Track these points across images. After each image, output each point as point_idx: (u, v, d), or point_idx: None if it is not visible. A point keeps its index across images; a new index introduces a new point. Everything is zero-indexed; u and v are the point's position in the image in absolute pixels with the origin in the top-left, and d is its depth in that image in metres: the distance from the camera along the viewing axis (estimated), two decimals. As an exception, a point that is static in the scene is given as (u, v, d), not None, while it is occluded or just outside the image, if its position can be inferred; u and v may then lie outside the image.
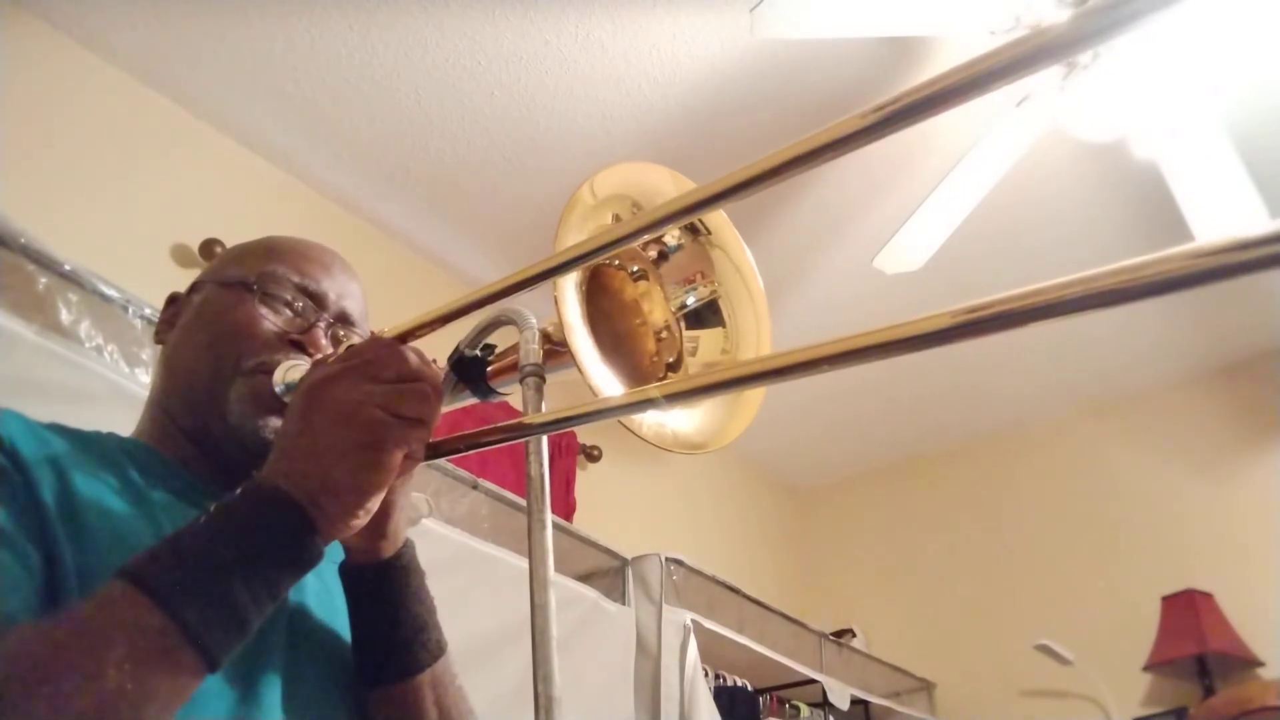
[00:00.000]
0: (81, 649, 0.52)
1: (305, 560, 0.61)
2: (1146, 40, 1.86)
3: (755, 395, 0.65)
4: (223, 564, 0.57)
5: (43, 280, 1.41)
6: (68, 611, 0.55)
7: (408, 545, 0.77)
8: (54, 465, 0.67)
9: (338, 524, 0.62)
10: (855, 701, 3.12)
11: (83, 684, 0.51)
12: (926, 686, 3.61)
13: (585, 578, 2.39)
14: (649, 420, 0.61)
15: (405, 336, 0.68)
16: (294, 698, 0.70)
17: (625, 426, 0.60)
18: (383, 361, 0.64)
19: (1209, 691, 2.98)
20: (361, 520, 0.64)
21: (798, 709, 3.09)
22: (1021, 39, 0.39)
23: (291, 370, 0.77)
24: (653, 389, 0.54)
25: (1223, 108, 2.06)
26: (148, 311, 1.50)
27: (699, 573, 2.65)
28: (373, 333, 0.70)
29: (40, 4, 2.14)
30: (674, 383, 0.59)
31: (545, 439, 0.62)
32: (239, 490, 0.62)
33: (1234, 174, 2.03)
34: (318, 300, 0.84)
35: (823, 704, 3.07)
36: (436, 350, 0.68)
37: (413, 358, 0.65)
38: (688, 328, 0.67)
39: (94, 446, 0.74)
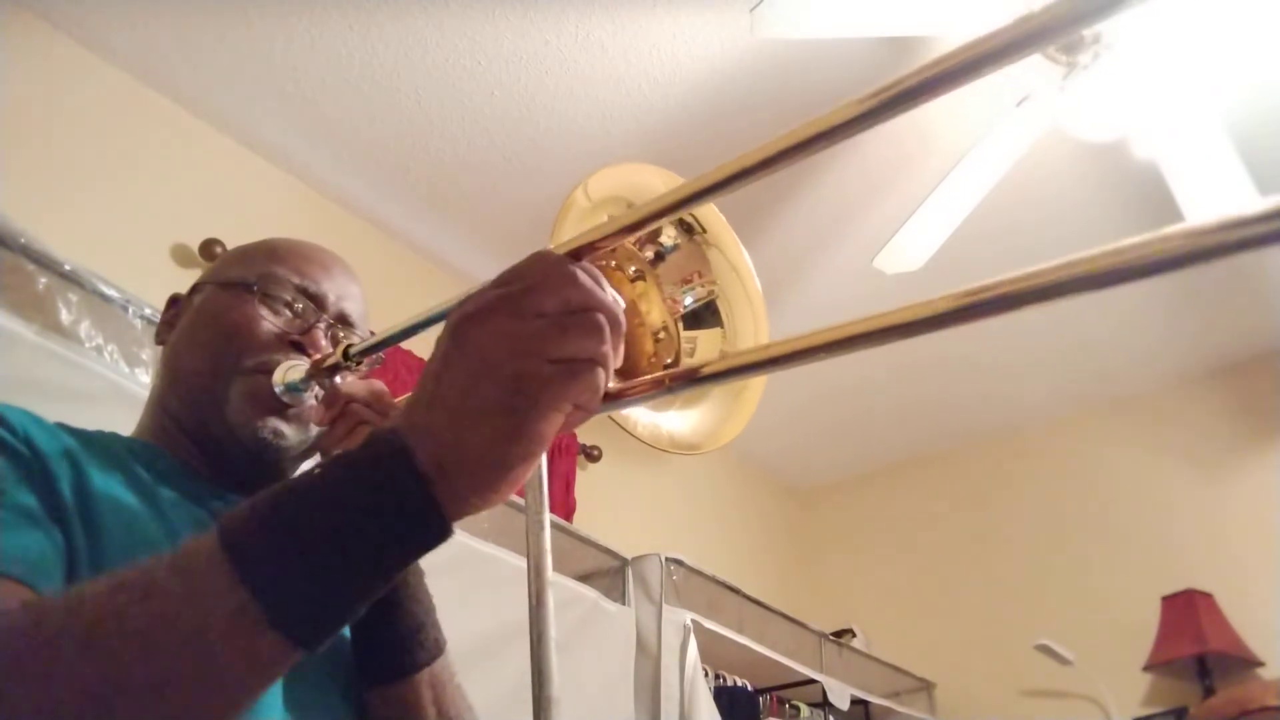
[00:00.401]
0: (140, 617, 0.46)
1: (425, 541, 0.50)
2: (1146, 40, 1.86)
3: (751, 396, 0.65)
4: (325, 537, 0.48)
5: (43, 280, 1.41)
6: (135, 568, 0.48)
7: (406, 544, 0.77)
8: (70, 459, 0.68)
9: (472, 500, 0.50)
10: (855, 701, 3.12)
11: (134, 659, 0.45)
12: (926, 686, 3.61)
13: (585, 578, 2.39)
14: (644, 420, 0.61)
15: (578, 254, 0.54)
16: (293, 696, 0.70)
17: (620, 425, 0.60)
18: (544, 287, 0.50)
19: (1209, 691, 2.98)
20: (504, 496, 0.51)
21: (798, 709, 3.09)
22: (1016, 21, 0.39)
23: (291, 370, 0.78)
24: (648, 381, 0.54)
25: (1223, 108, 2.06)
26: (148, 311, 1.51)
27: (699, 573, 2.65)
28: (540, 251, 0.54)
29: (40, 4, 2.14)
30: (674, 374, 0.58)
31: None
32: (363, 443, 0.51)
33: (1234, 174, 2.03)
34: (318, 301, 0.85)
35: (823, 704, 3.07)
36: (432, 351, 0.67)
37: (584, 279, 0.51)
38: (685, 328, 0.67)
39: (101, 445, 0.75)
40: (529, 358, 0.49)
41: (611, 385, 0.53)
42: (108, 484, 0.69)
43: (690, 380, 0.54)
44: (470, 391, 0.49)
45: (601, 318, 0.50)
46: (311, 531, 0.48)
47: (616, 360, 0.52)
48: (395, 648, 0.75)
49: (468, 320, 0.51)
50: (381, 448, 0.50)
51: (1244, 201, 0.35)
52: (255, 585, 0.46)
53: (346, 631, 0.78)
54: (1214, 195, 2.05)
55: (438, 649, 0.77)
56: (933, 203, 2.22)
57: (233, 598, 0.46)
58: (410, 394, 0.53)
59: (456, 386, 0.50)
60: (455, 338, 0.51)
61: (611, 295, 0.52)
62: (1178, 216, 2.19)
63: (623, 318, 0.52)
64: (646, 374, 0.67)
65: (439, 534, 0.50)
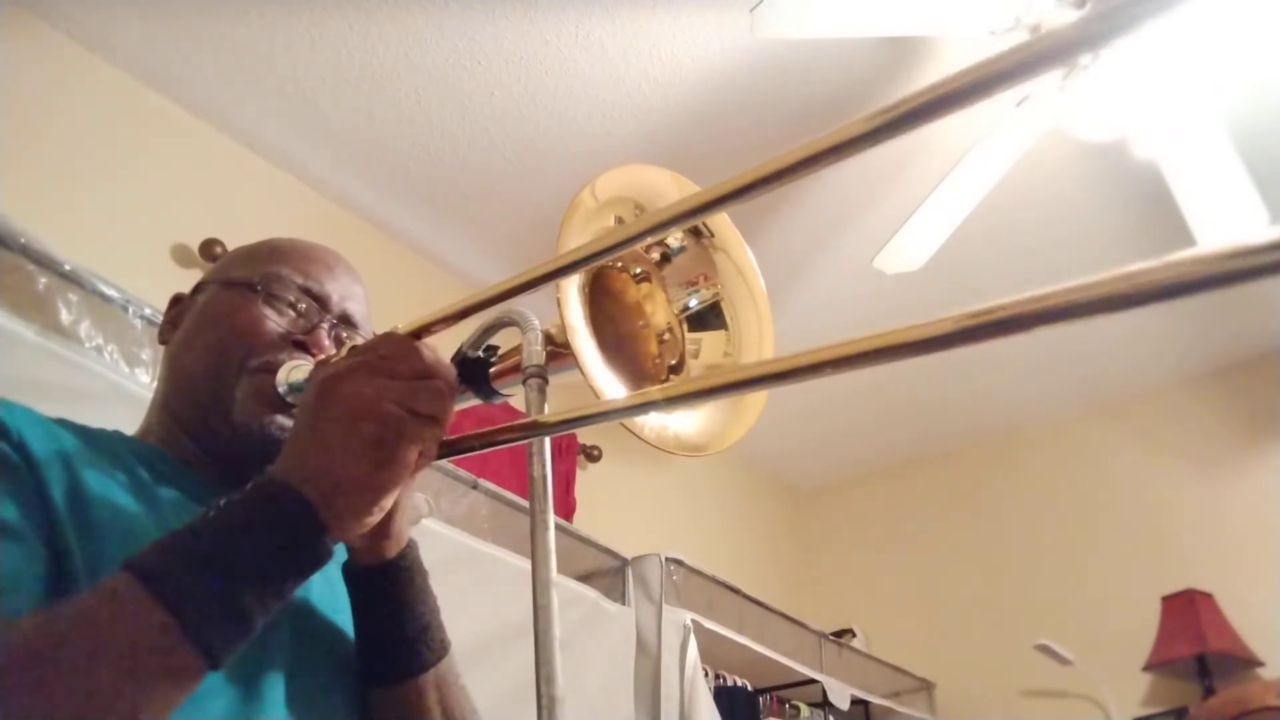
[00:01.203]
0: (78, 643, 0.51)
1: (314, 560, 0.60)
2: (1147, 40, 1.86)
3: (757, 398, 0.65)
4: (229, 561, 0.56)
5: (43, 280, 1.41)
6: (68, 603, 0.54)
7: (411, 545, 0.77)
8: (64, 461, 0.68)
9: (349, 522, 0.61)
10: (855, 701, 3.12)
11: (76, 680, 0.50)
12: (926, 686, 3.61)
13: (585, 578, 2.39)
14: (651, 422, 0.61)
15: (418, 333, 0.67)
16: (297, 696, 0.70)
17: (627, 428, 0.60)
18: (397, 357, 0.63)
19: (1209, 691, 2.98)
20: (374, 519, 0.62)
21: (798, 709, 3.09)
22: (1025, 44, 0.40)
23: (295, 370, 0.77)
24: (655, 391, 0.55)
25: (1223, 107, 2.06)
26: (148, 311, 1.50)
27: (699, 573, 2.65)
28: (388, 331, 0.69)
29: (40, 3, 2.14)
30: (679, 385, 0.59)
31: (548, 441, 0.63)
32: (249, 485, 0.60)
33: (1234, 174, 2.03)
34: (321, 301, 0.85)
35: (823, 704, 3.07)
36: (439, 351, 0.68)
37: (427, 353, 0.64)
38: (690, 330, 0.67)
39: (102, 443, 0.75)
40: (388, 406, 0.60)
41: (449, 437, 0.65)
42: (104, 485, 0.69)
43: (529, 431, 0.62)
44: (345, 431, 0.60)
45: (442, 383, 0.63)
46: (216, 557, 0.56)
47: (451, 417, 0.64)
48: (401, 648, 0.75)
49: (335, 379, 0.62)
50: (269, 487, 0.60)
51: (1254, 227, 0.35)
52: (173, 606, 0.53)
53: (350, 632, 0.78)
54: (1214, 196, 2.06)
55: (443, 649, 0.77)
56: (933, 202, 2.22)
57: (155, 618, 0.53)
58: (283, 450, 0.62)
59: (333, 429, 0.60)
60: (323, 394, 0.62)
61: (448, 365, 0.64)
62: (1178, 217, 2.19)
63: (455, 384, 0.64)
64: (651, 374, 0.67)
65: (326, 555, 0.60)
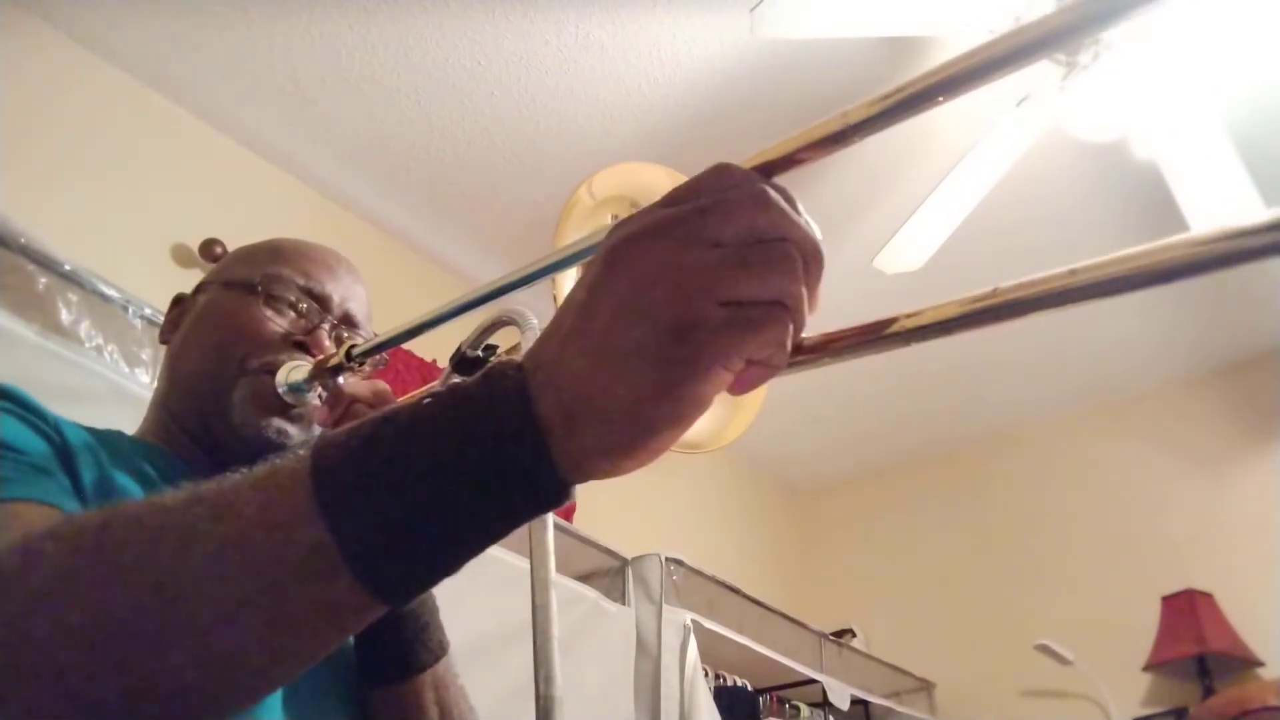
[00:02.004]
0: (213, 538, 0.41)
1: (535, 501, 0.42)
2: (1146, 40, 1.86)
3: (756, 395, 0.65)
4: (418, 478, 0.40)
5: (43, 280, 1.41)
6: (223, 482, 0.43)
7: (410, 544, 0.77)
8: (93, 454, 0.69)
9: (595, 461, 0.40)
10: (855, 701, 3.12)
11: (204, 581, 0.40)
12: (926, 686, 3.61)
13: (585, 578, 2.39)
14: None
15: (769, 168, 0.45)
16: (295, 696, 0.70)
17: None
18: (728, 207, 0.40)
19: (1209, 691, 2.98)
20: (638, 463, 0.41)
21: (798, 709, 3.09)
22: (1022, 27, 0.40)
23: (294, 371, 0.78)
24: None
25: (1223, 108, 2.06)
26: (148, 311, 1.51)
27: (699, 573, 2.65)
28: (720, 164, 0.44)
29: (40, 3, 2.14)
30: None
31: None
32: (480, 375, 0.42)
33: (1234, 174, 2.03)
34: (322, 302, 0.85)
35: (823, 704, 3.07)
36: (438, 352, 0.68)
37: (776, 200, 0.41)
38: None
39: (113, 442, 0.76)
40: (695, 298, 0.38)
41: (808, 336, 0.43)
42: (125, 482, 0.70)
43: (934, 330, 0.44)
44: (616, 331, 0.39)
45: (793, 249, 0.40)
46: (405, 471, 0.40)
47: (813, 304, 0.41)
48: (400, 648, 0.75)
49: (627, 243, 0.41)
50: (499, 385, 0.41)
51: (1250, 212, 0.35)
52: (335, 521, 0.39)
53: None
54: (1214, 195, 2.06)
55: (441, 650, 0.78)
56: (933, 202, 2.22)
57: (311, 531, 0.39)
58: (549, 324, 0.43)
59: (601, 322, 0.40)
60: (609, 263, 0.41)
61: (808, 224, 0.41)
62: (1178, 217, 2.20)
63: (823, 252, 0.41)
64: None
65: (553, 496, 0.42)
